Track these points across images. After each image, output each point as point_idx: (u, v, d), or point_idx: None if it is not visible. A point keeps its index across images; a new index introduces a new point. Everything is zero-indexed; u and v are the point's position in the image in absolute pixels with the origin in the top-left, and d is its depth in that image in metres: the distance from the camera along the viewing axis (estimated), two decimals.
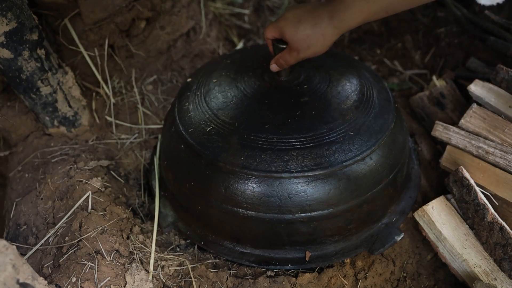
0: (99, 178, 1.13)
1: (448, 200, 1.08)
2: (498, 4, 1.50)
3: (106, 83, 1.37)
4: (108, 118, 1.35)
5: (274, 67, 1.05)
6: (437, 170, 1.21)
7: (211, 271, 1.02)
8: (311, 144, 0.94)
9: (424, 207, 1.06)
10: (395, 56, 1.60)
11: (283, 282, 0.99)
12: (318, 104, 1.02)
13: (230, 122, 0.99)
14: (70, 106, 1.25)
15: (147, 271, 0.98)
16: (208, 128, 1.00)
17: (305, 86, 1.07)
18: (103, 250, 0.97)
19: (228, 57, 1.22)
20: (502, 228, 0.97)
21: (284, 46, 0.99)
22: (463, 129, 1.12)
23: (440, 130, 1.15)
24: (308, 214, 0.94)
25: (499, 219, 0.98)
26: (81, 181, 1.11)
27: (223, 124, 1.00)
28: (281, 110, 1.01)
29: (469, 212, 1.03)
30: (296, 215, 0.94)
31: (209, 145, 0.98)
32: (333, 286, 1.00)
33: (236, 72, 1.12)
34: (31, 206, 1.12)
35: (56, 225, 1.05)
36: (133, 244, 1.03)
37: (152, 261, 1.01)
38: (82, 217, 1.03)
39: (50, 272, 0.97)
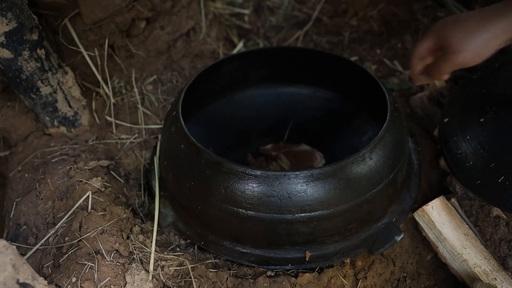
0: (99, 178, 1.13)
1: (448, 200, 1.08)
2: None
3: (106, 83, 1.37)
4: (108, 118, 1.35)
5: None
6: (437, 170, 1.21)
7: (211, 271, 1.02)
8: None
9: (424, 207, 1.06)
10: (395, 56, 1.60)
11: (283, 282, 0.99)
12: None
13: None
14: (70, 106, 1.25)
15: (147, 271, 0.98)
16: None
17: None
18: (103, 250, 0.97)
19: None
20: (508, 223, 0.96)
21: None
22: None
23: None
24: (308, 214, 0.94)
25: (504, 214, 0.98)
26: (81, 181, 1.11)
27: None
28: None
29: (473, 208, 1.03)
30: (296, 215, 0.94)
31: None
32: (333, 286, 1.00)
33: None
34: (31, 206, 1.12)
35: (56, 225, 1.05)
36: (133, 244, 1.03)
37: (152, 261, 1.01)
38: (82, 217, 1.03)
39: (50, 272, 0.97)
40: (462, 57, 0.88)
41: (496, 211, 0.98)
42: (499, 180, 0.94)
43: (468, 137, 1.02)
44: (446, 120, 1.10)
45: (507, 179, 0.93)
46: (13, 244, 0.79)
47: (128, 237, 1.05)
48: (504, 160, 0.96)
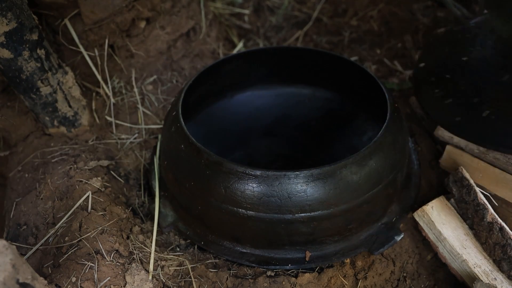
0: (99, 178, 1.13)
1: (448, 200, 1.08)
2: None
3: (106, 83, 1.37)
4: (108, 118, 1.35)
5: None
6: (437, 170, 1.21)
7: (211, 271, 1.02)
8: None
9: (424, 207, 1.06)
10: (395, 56, 1.60)
11: (283, 282, 0.99)
12: None
13: None
14: (70, 106, 1.25)
15: (147, 271, 0.98)
16: None
17: None
18: (103, 250, 0.97)
19: None
20: (501, 228, 0.97)
21: None
22: None
23: (443, 129, 1.15)
24: (308, 214, 0.94)
25: (499, 219, 0.98)
26: (81, 181, 1.11)
27: None
28: None
29: (469, 212, 1.03)
30: (296, 215, 0.94)
31: None
32: (333, 286, 1.00)
33: None
34: (31, 206, 1.12)
35: (56, 225, 1.05)
36: (133, 244, 1.03)
37: (152, 261, 1.01)
38: (82, 217, 1.03)
39: (50, 272, 0.97)
40: None
41: (490, 215, 0.99)
42: (483, 115, 0.87)
43: (448, 76, 0.97)
44: (422, 65, 1.06)
45: (493, 113, 0.86)
46: (13, 244, 0.79)
47: (128, 237, 1.05)
48: (488, 94, 0.89)
